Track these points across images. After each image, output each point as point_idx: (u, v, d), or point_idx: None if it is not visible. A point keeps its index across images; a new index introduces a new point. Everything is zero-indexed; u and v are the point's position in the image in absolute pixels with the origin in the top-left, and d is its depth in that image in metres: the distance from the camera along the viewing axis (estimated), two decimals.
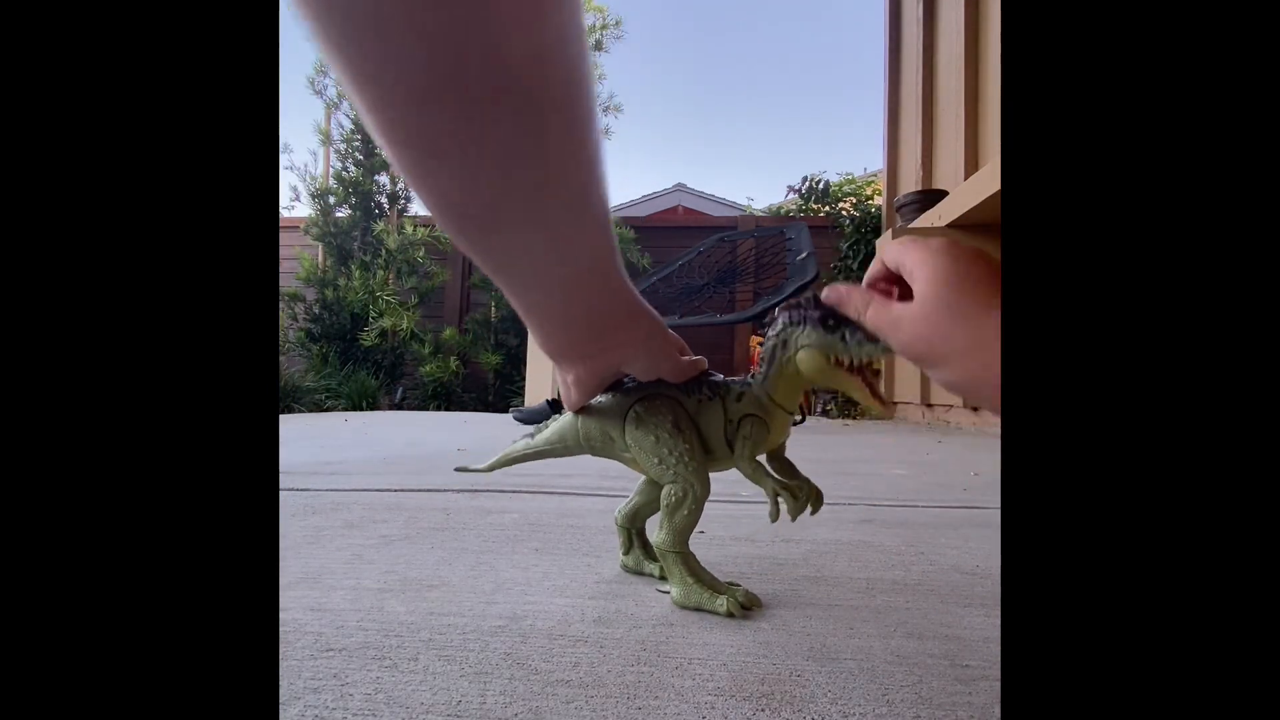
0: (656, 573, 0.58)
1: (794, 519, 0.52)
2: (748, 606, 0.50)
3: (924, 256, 0.30)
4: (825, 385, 0.47)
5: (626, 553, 0.61)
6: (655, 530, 0.53)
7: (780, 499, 0.53)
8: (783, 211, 5.95)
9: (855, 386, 0.45)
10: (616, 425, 0.53)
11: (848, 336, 0.43)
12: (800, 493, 0.51)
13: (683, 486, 0.51)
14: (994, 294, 0.25)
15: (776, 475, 0.54)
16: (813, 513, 0.52)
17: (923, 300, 0.29)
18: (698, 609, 0.50)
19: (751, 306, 2.78)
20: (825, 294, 0.45)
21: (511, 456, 0.62)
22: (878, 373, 0.45)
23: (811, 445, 1.74)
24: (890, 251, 0.34)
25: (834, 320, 0.44)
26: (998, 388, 0.24)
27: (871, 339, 0.41)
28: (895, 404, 3.33)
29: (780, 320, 0.48)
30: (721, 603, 0.50)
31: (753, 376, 0.53)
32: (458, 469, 0.68)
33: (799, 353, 0.46)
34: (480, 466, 0.64)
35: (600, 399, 0.55)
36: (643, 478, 0.60)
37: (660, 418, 0.51)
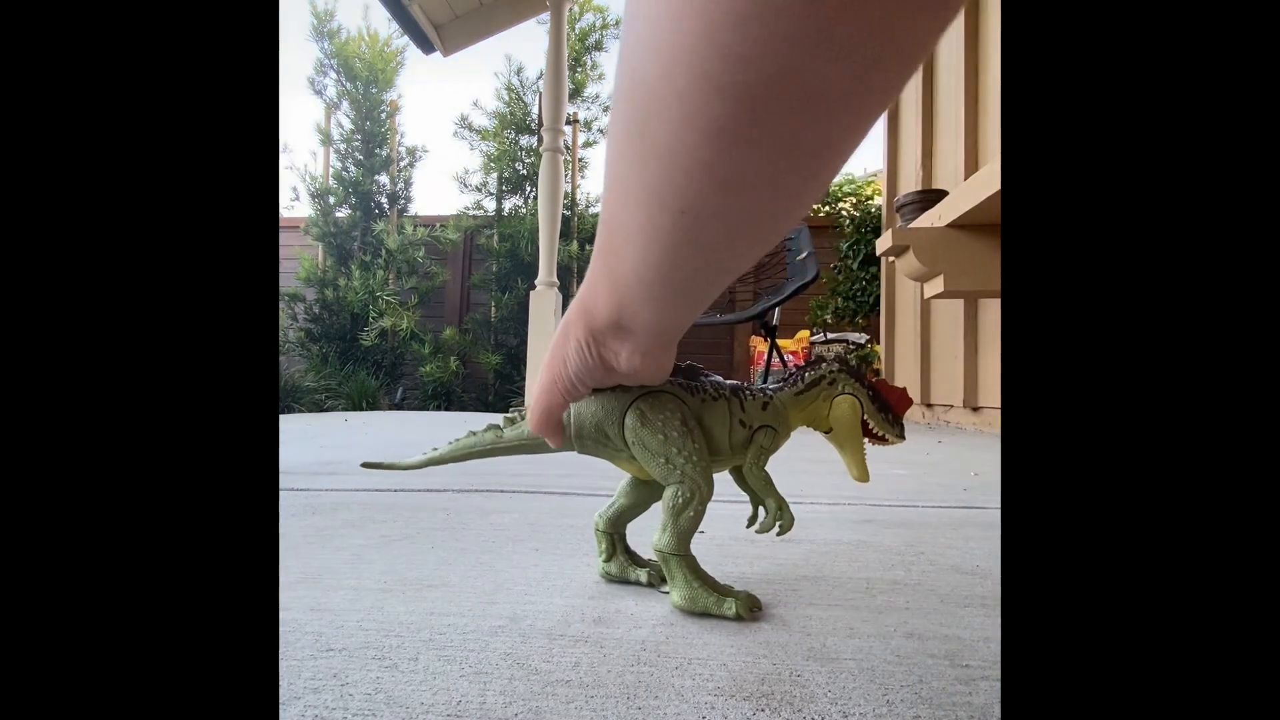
0: (644, 579, 0.56)
1: (763, 533, 0.53)
2: (753, 609, 0.50)
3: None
4: (832, 430, 0.54)
5: (608, 559, 0.58)
6: (655, 534, 0.52)
7: (762, 512, 0.55)
8: None
9: (856, 449, 0.53)
10: (614, 422, 0.52)
11: (888, 414, 0.53)
12: (788, 512, 0.54)
13: (690, 488, 0.50)
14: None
15: (754, 489, 0.55)
16: (780, 534, 0.53)
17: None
18: (704, 613, 0.50)
19: (751, 306, 2.78)
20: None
21: (472, 450, 0.56)
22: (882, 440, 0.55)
23: (812, 446, 1.74)
24: None
25: (874, 393, 0.53)
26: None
27: (897, 423, 0.53)
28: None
29: (837, 363, 0.55)
30: (729, 605, 0.49)
31: (773, 388, 0.54)
32: (365, 465, 0.59)
33: (841, 396, 0.53)
34: (407, 462, 0.57)
35: (596, 393, 0.54)
36: (626, 478, 0.58)
37: (668, 415, 0.50)
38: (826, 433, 0.54)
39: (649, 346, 0.37)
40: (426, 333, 4.69)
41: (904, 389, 0.54)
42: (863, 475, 0.53)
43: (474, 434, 0.57)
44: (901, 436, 0.53)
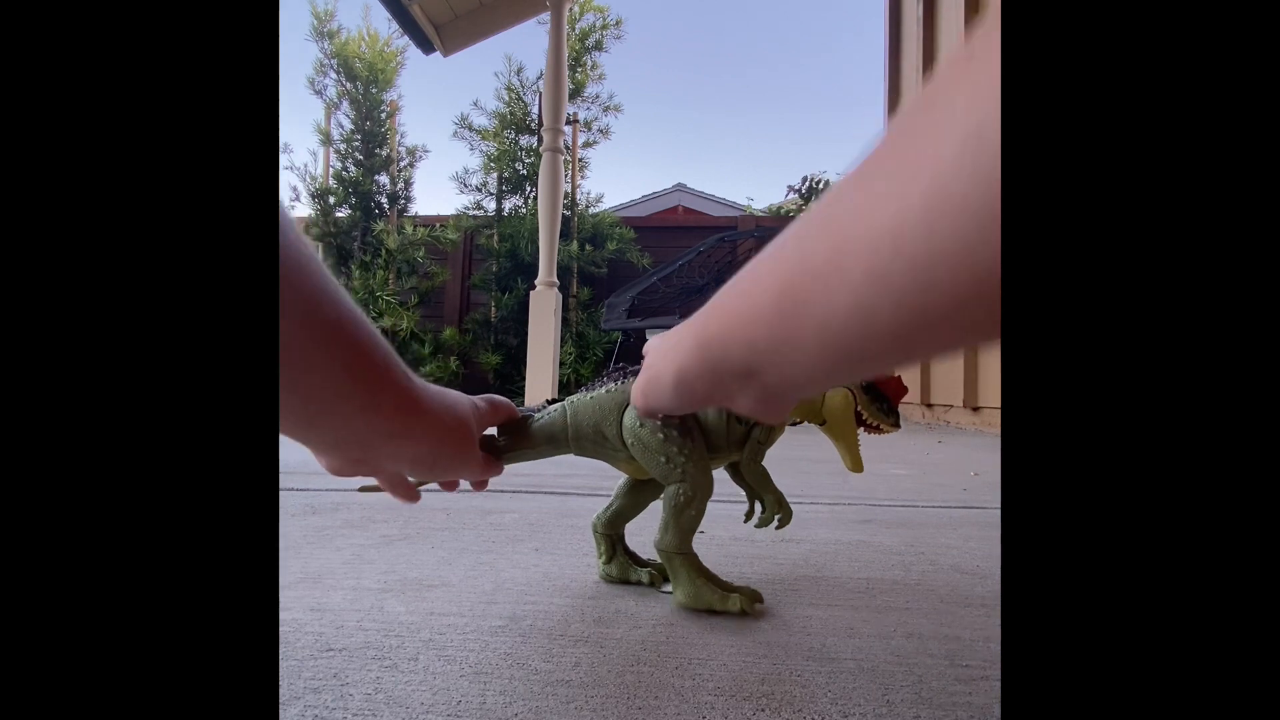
0: (645, 579, 0.56)
1: (762, 527, 0.54)
2: (755, 603, 0.50)
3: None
4: (827, 422, 0.54)
5: (608, 561, 0.58)
6: (657, 533, 0.52)
7: (759, 507, 0.55)
8: (783, 211, 5.95)
9: (850, 440, 0.53)
10: (611, 421, 0.52)
11: (883, 404, 0.52)
12: (786, 507, 0.54)
13: (691, 486, 0.50)
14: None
15: (751, 484, 0.55)
16: (778, 527, 0.53)
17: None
18: (708, 610, 0.50)
19: None
20: None
21: None
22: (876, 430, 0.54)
23: (812, 445, 1.74)
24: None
25: (868, 383, 0.53)
26: None
27: (893, 412, 0.52)
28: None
29: None
30: (734, 601, 0.49)
31: None
32: (362, 489, 0.55)
33: (834, 388, 0.53)
34: None
35: (592, 393, 0.53)
36: (623, 479, 0.58)
37: (667, 414, 0.50)
38: (821, 424, 0.54)
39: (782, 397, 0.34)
40: (426, 333, 4.69)
41: (898, 377, 0.54)
42: (856, 466, 0.53)
43: None
44: (897, 425, 0.53)
